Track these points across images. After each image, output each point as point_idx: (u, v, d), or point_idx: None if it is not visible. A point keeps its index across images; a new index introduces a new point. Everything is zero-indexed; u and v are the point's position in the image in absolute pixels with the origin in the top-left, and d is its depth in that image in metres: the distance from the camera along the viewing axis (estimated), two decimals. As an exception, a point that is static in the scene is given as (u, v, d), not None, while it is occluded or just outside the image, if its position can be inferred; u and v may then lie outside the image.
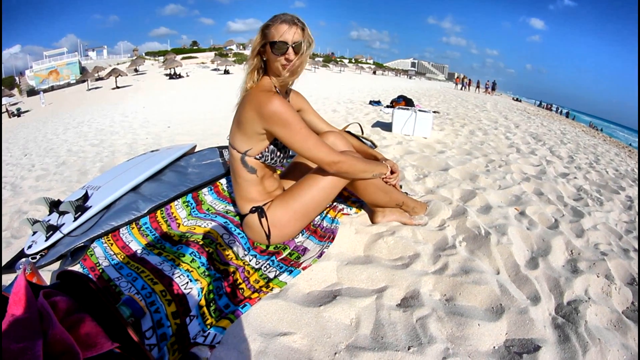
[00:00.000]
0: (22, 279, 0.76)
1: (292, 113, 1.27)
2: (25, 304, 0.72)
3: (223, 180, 2.04)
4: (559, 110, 29.38)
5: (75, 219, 1.78)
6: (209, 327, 1.09)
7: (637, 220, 2.36)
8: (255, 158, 1.39)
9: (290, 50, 1.26)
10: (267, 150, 1.38)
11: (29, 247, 1.73)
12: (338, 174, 1.40)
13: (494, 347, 1.11)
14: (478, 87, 26.36)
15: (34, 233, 1.84)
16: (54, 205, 1.99)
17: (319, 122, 1.70)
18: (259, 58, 1.34)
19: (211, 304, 1.20)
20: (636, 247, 1.87)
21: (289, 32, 1.25)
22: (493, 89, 27.71)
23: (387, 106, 6.50)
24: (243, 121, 1.33)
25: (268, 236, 1.45)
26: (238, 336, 1.07)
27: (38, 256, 1.69)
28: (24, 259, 1.67)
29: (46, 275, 1.55)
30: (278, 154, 1.41)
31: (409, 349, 1.06)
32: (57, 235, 1.72)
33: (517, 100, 27.14)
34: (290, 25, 1.26)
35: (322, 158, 1.32)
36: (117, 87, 22.31)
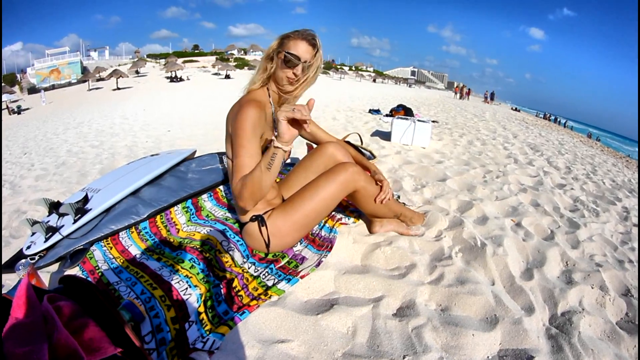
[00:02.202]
0: (26, 283, 0.77)
1: (249, 126, 1.25)
2: (29, 307, 0.74)
3: (223, 187, 2.06)
4: (557, 120, 29.59)
5: (75, 221, 1.79)
6: (208, 332, 1.11)
7: (633, 231, 2.39)
8: None
9: (300, 66, 1.29)
10: None
11: (28, 247, 1.74)
12: (244, 205, 1.27)
13: (488, 356, 1.12)
14: (465, 94, 26.27)
15: (33, 234, 1.85)
16: (54, 207, 2.00)
17: (319, 132, 1.72)
18: (267, 62, 1.36)
19: (210, 310, 1.21)
20: (631, 258, 1.89)
21: (305, 49, 1.28)
22: (492, 98, 27.94)
23: (387, 115, 6.55)
24: (228, 128, 1.36)
25: (267, 245, 1.46)
26: (236, 342, 1.09)
27: (37, 257, 1.70)
28: (23, 260, 1.68)
29: (45, 277, 1.56)
30: None
31: (404, 358, 1.07)
32: (57, 237, 1.74)
33: (516, 110, 27.34)
34: (308, 44, 1.29)
35: (232, 185, 1.29)
36: (118, 89, 22.37)
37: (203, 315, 1.18)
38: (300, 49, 1.28)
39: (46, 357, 0.63)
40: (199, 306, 1.21)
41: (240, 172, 1.23)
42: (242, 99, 1.34)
